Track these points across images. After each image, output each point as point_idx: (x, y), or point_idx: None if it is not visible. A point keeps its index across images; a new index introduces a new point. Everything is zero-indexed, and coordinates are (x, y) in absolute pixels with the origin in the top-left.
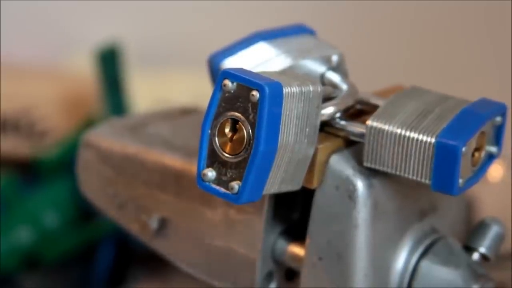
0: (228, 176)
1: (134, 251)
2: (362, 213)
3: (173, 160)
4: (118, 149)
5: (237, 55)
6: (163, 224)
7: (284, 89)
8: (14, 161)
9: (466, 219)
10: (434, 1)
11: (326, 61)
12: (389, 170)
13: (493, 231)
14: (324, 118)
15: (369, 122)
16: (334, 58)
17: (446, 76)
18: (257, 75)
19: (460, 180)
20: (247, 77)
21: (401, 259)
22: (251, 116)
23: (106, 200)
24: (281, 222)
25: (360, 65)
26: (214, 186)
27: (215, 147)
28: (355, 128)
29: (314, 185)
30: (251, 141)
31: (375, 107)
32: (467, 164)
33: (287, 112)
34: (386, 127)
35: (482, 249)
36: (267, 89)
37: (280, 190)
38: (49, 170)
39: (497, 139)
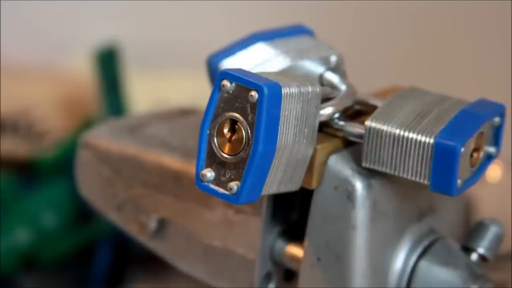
0: (227, 176)
1: (132, 252)
2: (360, 213)
3: (171, 161)
4: (116, 149)
5: (236, 56)
6: (161, 224)
7: (283, 90)
8: (12, 162)
9: (464, 219)
10: (432, 1)
11: (325, 61)
12: (387, 171)
13: (492, 231)
14: (322, 118)
15: (367, 123)
16: (333, 58)
17: (444, 77)
18: (255, 75)
19: (459, 181)
20: (246, 78)
21: (400, 260)
22: (250, 117)
23: (105, 201)
24: (279, 222)
25: (358, 65)
26: (212, 186)
27: (214, 147)
28: (354, 128)
29: (313, 185)
30: (250, 142)
31: (373, 108)
32: (465, 164)
33: (286, 113)
34: (384, 127)
35: (481, 250)
36: (266, 90)
37: (279, 191)
38: (48, 171)
39: (496, 140)
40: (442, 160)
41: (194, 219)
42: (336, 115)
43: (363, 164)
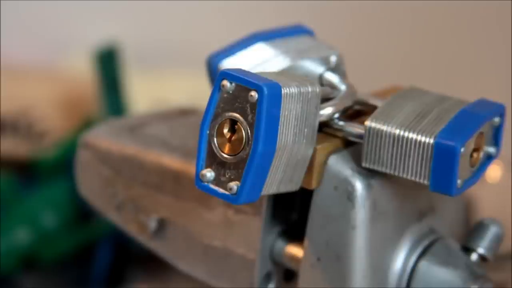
0: (227, 176)
1: (132, 252)
2: (360, 213)
3: (171, 161)
4: (116, 149)
5: (236, 56)
6: (161, 224)
7: (282, 90)
8: (12, 162)
9: (464, 219)
10: (432, 1)
11: (325, 61)
12: (387, 171)
13: (492, 232)
14: (322, 118)
15: (367, 123)
16: (333, 58)
17: (444, 77)
18: (255, 75)
19: (459, 181)
20: (246, 78)
21: (400, 260)
22: (249, 117)
23: (105, 201)
24: (279, 222)
25: (358, 65)
26: (212, 186)
27: (213, 147)
28: (354, 128)
29: (312, 185)
30: (250, 142)
31: (373, 108)
32: (465, 164)
33: (286, 113)
34: (384, 127)
35: (481, 250)
36: (265, 90)
37: (278, 191)
38: (48, 171)
39: (496, 140)
40: (442, 160)
41: (194, 219)
42: (336, 115)
43: (363, 164)
